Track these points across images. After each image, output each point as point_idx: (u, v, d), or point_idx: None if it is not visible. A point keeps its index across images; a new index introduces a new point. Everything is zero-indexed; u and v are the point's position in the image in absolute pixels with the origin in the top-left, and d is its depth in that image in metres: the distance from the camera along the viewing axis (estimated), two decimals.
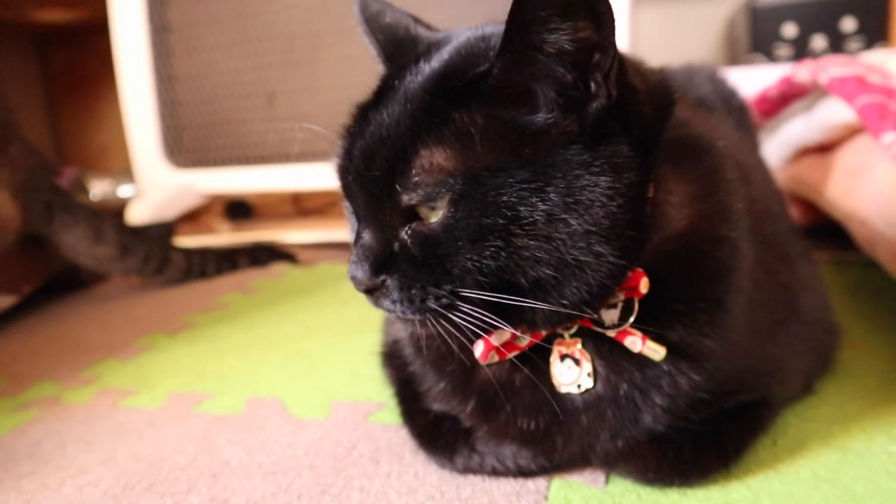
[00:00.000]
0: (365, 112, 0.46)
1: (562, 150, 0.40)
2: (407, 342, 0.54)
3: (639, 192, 0.41)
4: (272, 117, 1.56)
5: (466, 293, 0.41)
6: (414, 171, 0.41)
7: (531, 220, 0.40)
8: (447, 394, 0.51)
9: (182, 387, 0.73)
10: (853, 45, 1.81)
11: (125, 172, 1.91)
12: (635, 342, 0.45)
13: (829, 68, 0.82)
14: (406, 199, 0.41)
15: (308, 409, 0.65)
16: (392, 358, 0.59)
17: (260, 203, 1.93)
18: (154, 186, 1.61)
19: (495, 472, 0.51)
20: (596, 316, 0.45)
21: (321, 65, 1.50)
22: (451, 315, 0.42)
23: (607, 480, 0.50)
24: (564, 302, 0.41)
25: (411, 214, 0.42)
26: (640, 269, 0.44)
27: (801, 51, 1.85)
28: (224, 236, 1.62)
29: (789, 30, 1.84)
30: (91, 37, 2.35)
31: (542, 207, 0.39)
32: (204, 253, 1.20)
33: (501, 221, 0.40)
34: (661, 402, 0.46)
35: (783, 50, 1.85)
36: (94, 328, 0.96)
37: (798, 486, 0.48)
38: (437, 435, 0.52)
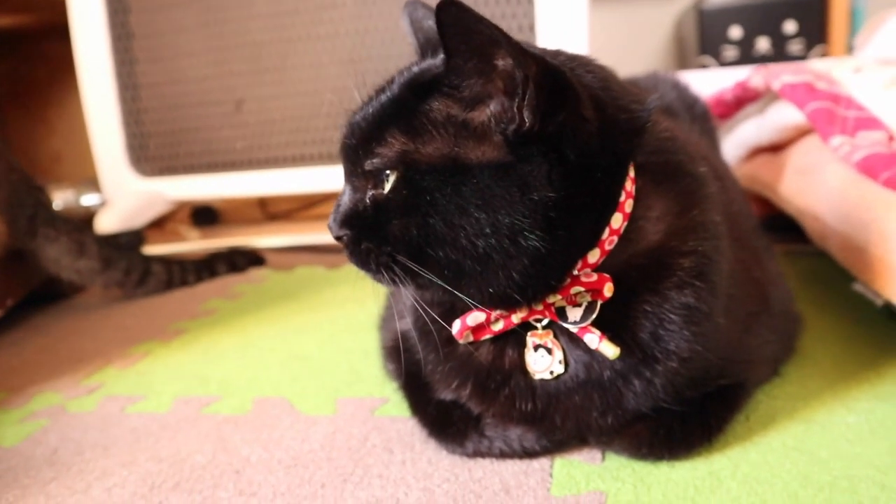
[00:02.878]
0: (370, 97, 0.53)
1: (486, 157, 0.46)
2: (414, 331, 0.59)
3: (561, 210, 0.46)
4: (241, 124, 1.57)
5: (401, 259, 0.48)
6: (375, 145, 0.48)
7: (444, 207, 0.46)
8: (449, 375, 0.56)
9: (186, 391, 0.76)
10: (794, 46, 1.92)
11: (87, 181, 1.89)
12: (593, 339, 0.50)
13: (782, 75, 0.89)
14: (365, 165, 0.49)
15: (315, 407, 0.69)
16: (398, 351, 0.63)
17: (226, 208, 1.93)
18: (121, 195, 1.61)
19: (503, 455, 0.56)
20: (559, 306, 0.50)
21: (290, 72, 1.52)
22: (389, 274, 0.49)
23: (604, 458, 0.56)
24: (491, 289, 0.48)
25: (375, 182, 0.49)
26: (606, 275, 0.49)
27: (746, 52, 1.95)
28: (194, 243, 1.62)
29: (735, 32, 1.94)
30: (39, 43, 2.31)
31: (455, 200, 0.46)
32: (183, 263, 1.21)
33: (423, 203, 0.47)
34: (640, 387, 0.52)
35: (730, 52, 1.95)
36: (85, 338, 0.97)
37: (771, 455, 0.55)
38: (447, 422, 0.57)
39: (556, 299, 0.50)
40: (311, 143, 1.52)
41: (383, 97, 0.50)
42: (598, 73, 0.50)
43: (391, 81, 0.51)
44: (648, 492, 0.51)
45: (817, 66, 0.97)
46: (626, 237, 0.50)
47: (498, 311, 0.51)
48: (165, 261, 1.19)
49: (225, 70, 1.55)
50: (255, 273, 1.25)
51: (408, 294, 0.60)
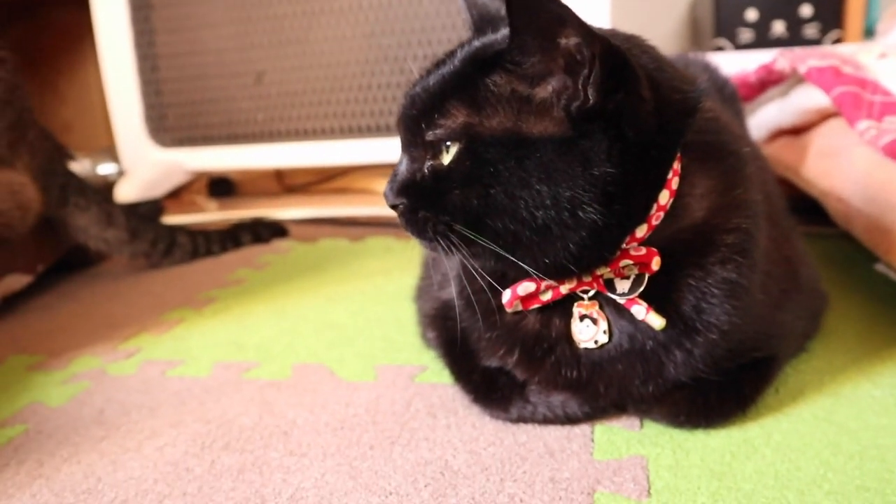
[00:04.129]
0: (430, 70, 0.54)
1: (548, 132, 0.47)
2: (458, 300, 0.60)
3: (618, 185, 0.47)
4: (261, 95, 1.57)
5: (458, 229, 0.50)
6: (438, 116, 0.50)
7: (507, 179, 0.48)
8: (495, 343, 0.58)
9: (224, 357, 0.78)
10: (810, 30, 1.92)
11: (103, 150, 1.89)
12: (640, 311, 0.52)
13: (808, 59, 0.90)
14: (427, 136, 0.50)
15: (355, 373, 0.71)
16: (441, 320, 0.65)
17: (242, 180, 1.94)
18: (139, 165, 1.62)
19: (546, 420, 0.58)
20: (607, 278, 0.52)
21: (311, 45, 1.52)
22: (443, 242, 0.51)
23: (642, 425, 0.58)
24: (547, 259, 0.49)
25: (434, 153, 0.51)
26: (654, 249, 0.51)
27: (762, 35, 1.95)
28: (212, 214, 1.63)
29: (751, 14, 1.94)
30: (50, 11, 2.30)
31: (518, 172, 0.47)
32: (208, 233, 1.23)
33: (486, 174, 0.48)
34: (680, 358, 0.54)
35: (745, 34, 1.95)
36: (116, 305, 0.99)
37: (801, 425, 0.57)
38: (492, 388, 0.59)
39: (605, 271, 0.52)
40: (331, 116, 1.53)
41: (444, 70, 0.51)
42: (651, 53, 0.52)
43: (451, 56, 0.53)
44: (687, 457, 0.54)
45: (843, 51, 0.98)
46: (671, 213, 0.52)
47: (548, 282, 0.53)
48: (190, 231, 1.21)
49: (246, 42, 1.55)
50: (279, 244, 1.26)
51: (452, 264, 0.63)
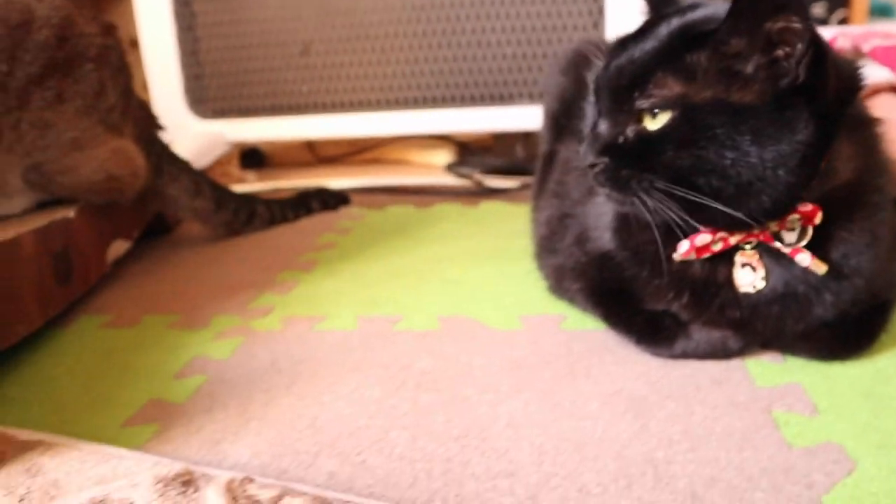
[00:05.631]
0: (625, 42, 0.61)
1: (758, 103, 0.54)
2: (622, 252, 0.67)
3: (807, 148, 0.55)
4: (306, 66, 1.60)
5: (661, 185, 0.57)
6: (650, 86, 0.56)
7: (723, 143, 0.54)
8: (663, 289, 0.65)
9: (365, 312, 0.83)
10: (817, 9, 2.02)
11: None
12: (804, 258, 0.60)
13: (872, 39, 0.99)
14: (638, 104, 0.57)
15: (502, 322, 0.78)
16: (592, 271, 0.72)
17: (273, 150, 1.96)
18: (181, 137, 1.63)
19: (706, 355, 0.66)
20: (774, 230, 0.60)
21: (359, 15, 1.55)
22: (645, 197, 0.57)
23: (784, 359, 0.66)
24: (739, 212, 0.56)
25: (637, 118, 0.58)
26: (816, 205, 0.59)
27: None
28: (253, 185, 1.66)
29: None
30: None
31: (735, 137, 0.54)
32: (280, 201, 1.26)
33: (702, 139, 0.55)
34: (829, 299, 0.62)
35: None
36: (220, 269, 1.03)
37: None
38: (657, 329, 0.67)
39: (775, 224, 0.60)
40: (377, 88, 1.57)
41: (649, 45, 0.57)
42: (822, 38, 0.59)
43: (648, 32, 0.58)
44: (836, 383, 0.62)
45: None
46: (824, 174, 0.60)
47: (723, 234, 0.60)
48: (266, 201, 1.24)
49: (291, 12, 1.57)
50: (350, 211, 1.31)
51: (606, 220, 0.70)
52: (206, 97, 1.64)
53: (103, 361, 0.76)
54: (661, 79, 0.56)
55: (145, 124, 1.04)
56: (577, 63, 0.95)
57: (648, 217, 0.59)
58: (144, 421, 0.62)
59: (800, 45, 0.52)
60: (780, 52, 0.53)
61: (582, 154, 0.61)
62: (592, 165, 0.60)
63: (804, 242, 0.60)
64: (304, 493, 0.47)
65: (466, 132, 1.76)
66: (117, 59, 0.95)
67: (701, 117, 0.55)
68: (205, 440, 0.59)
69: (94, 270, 0.94)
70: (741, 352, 0.66)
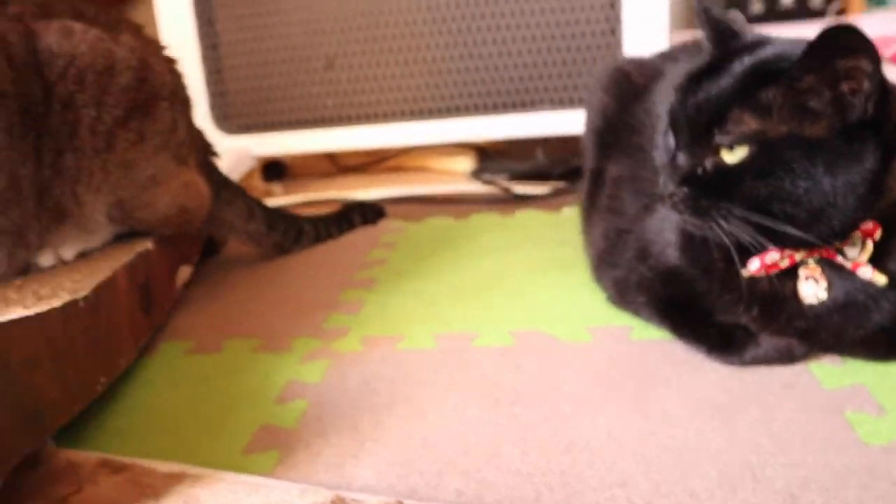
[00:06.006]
0: (698, 78, 0.66)
1: (828, 136, 0.60)
2: (692, 268, 0.73)
3: (874, 175, 0.61)
4: (330, 80, 1.65)
5: (738, 212, 0.62)
6: (728, 123, 0.62)
7: (798, 174, 0.60)
8: (733, 303, 0.71)
9: (439, 330, 0.88)
10: (815, 1, 2.09)
11: None
12: (866, 271, 0.66)
13: (893, 45, 1.05)
14: (718, 139, 0.63)
15: (572, 335, 0.83)
16: (659, 285, 0.78)
17: (294, 162, 1.99)
18: None
19: (773, 362, 0.72)
20: (841, 248, 0.66)
21: (382, 29, 1.60)
22: (723, 224, 0.63)
23: (843, 361, 0.73)
24: (812, 236, 0.62)
25: (714, 150, 0.63)
26: (877, 223, 0.65)
27: (770, 7, 2.11)
28: (283, 198, 1.70)
29: None
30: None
31: (809, 169, 0.60)
32: (324, 217, 1.31)
33: (779, 171, 0.61)
34: (887, 306, 0.68)
35: (756, 6, 2.10)
36: (281, 290, 1.07)
37: None
38: (729, 339, 0.72)
39: (837, 242, 0.65)
40: (400, 99, 1.61)
41: (724, 82, 0.63)
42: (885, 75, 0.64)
43: (722, 67, 0.64)
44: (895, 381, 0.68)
45: None
46: (883, 194, 0.65)
47: (790, 251, 0.66)
48: (310, 219, 1.28)
49: (315, 28, 1.61)
50: (389, 224, 1.35)
51: (671, 237, 0.75)
52: (231, 113, 1.68)
53: (199, 388, 0.81)
54: (738, 115, 0.61)
55: (204, 152, 1.08)
56: (619, 81, 1.00)
57: (725, 240, 0.64)
58: (264, 448, 0.67)
59: (867, 84, 0.58)
60: (848, 89, 0.59)
61: (661, 184, 0.66)
62: (672, 195, 0.65)
63: (865, 257, 0.66)
64: None
65: (488, 139, 1.80)
66: (183, 93, 0.98)
67: (777, 151, 0.60)
68: (328, 464, 0.64)
69: (168, 298, 0.98)
70: (804, 357, 0.72)
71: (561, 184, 1.54)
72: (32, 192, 0.80)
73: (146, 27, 0.98)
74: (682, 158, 0.65)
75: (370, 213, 1.39)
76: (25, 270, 0.83)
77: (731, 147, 0.62)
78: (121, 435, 0.72)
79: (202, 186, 1.01)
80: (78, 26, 0.84)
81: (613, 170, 0.94)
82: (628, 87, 0.98)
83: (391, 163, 1.92)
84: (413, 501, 0.55)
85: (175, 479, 0.60)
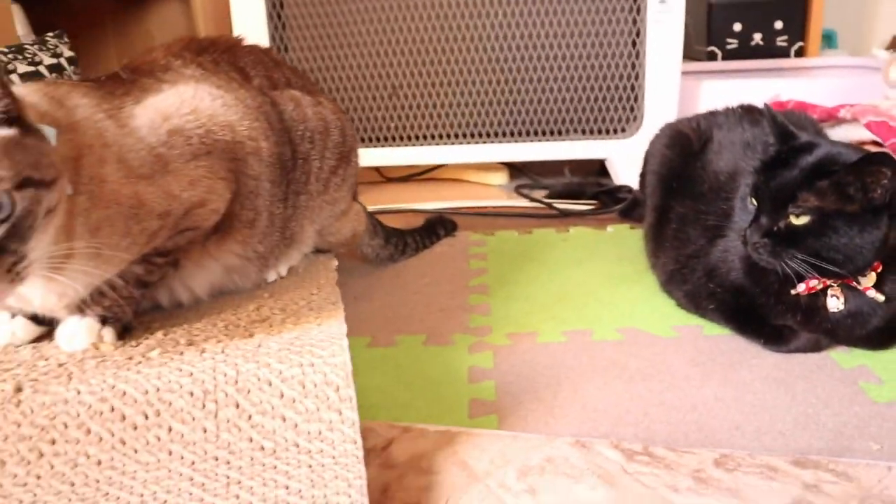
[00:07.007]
0: (773, 167, 1.01)
1: (860, 212, 0.96)
2: (753, 287, 1.08)
3: (885, 234, 0.97)
4: (394, 105, 1.94)
5: (800, 256, 0.97)
6: (798, 200, 0.96)
7: (840, 234, 0.96)
8: (783, 311, 1.07)
9: (563, 327, 1.20)
10: (780, 41, 2.49)
11: None
12: (871, 292, 1.03)
13: (868, 115, 1.43)
14: (791, 210, 0.97)
15: (663, 331, 1.17)
16: (726, 296, 1.13)
17: None
18: None
19: (808, 350, 1.08)
20: (858, 277, 1.02)
21: (442, 65, 1.90)
22: (789, 263, 0.98)
23: (849, 351, 1.10)
24: (845, 270, 0.98)
25: (787, 217, 0.97)
26: (879, 261, 1.01)
27: (744, 44, 2.49)
28: None
29: (737, 27, 2.47)
30: None
31: (848, 231, 0.96)
32: (417, 230, 1.60)
33: (829, 231, 0.96)
34: (881, 314, 1.05)
35: (732, 43, 2.49)
36: (409, 296, 1.33)
37: None
38: (778, 335, 1.08)
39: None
40: (452, 124, 1.93)
41: (794, 173, 0.97)
42: None
43: (790, 161, 0.99)
44: (888, 363, 1.05)
45: (884, 108, 1.52)
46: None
47: (825, 279, 1.02)
48: (409, 231, 1.57)
49: (384, 61, 1.90)
50: (465, 237, 1.65)
51: (734, 262, 1.10)
52: None
53: (398, 375, 1.09)
54: (806, 196, 0.96)
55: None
56: (679, 141, 1.35)
57: (787, 271, 0.99)
58: (483, 413, 0.98)
59: (886, 183, 0.93)
60: (873, 186, 0.94)
61: (749, 235, 1.00)
62: (755, 243, 0.99)
63: (871, 282, 1.02)
64: (654, 454, 0.85)
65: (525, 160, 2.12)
66: (354, 137, 1.25)
67: (828, 220, 0.95)
68: (536, 422, 0.95)
69: None
70: (828, 347, 1.09)
71: (593, 202, 1.87)
72: (279, 226, 1.07)
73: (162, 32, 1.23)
74: (764, 220, 0.99)
75: (448, 225, 1.69)
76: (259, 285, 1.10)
77: (798, 216, 0.97)
78: (372, 409, 1.00)
79: (364, 213, 1.29)
80: (301, 95, 1.11)
81: (679, 209, 1.28)
82: (687, 144, 1.33)
83: (432, 175, 2.21)
84: (627, 442, 0.87)
85: (445, 435, 0.90)
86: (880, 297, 1.03)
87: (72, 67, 1.53)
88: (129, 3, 2.72)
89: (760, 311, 1.10)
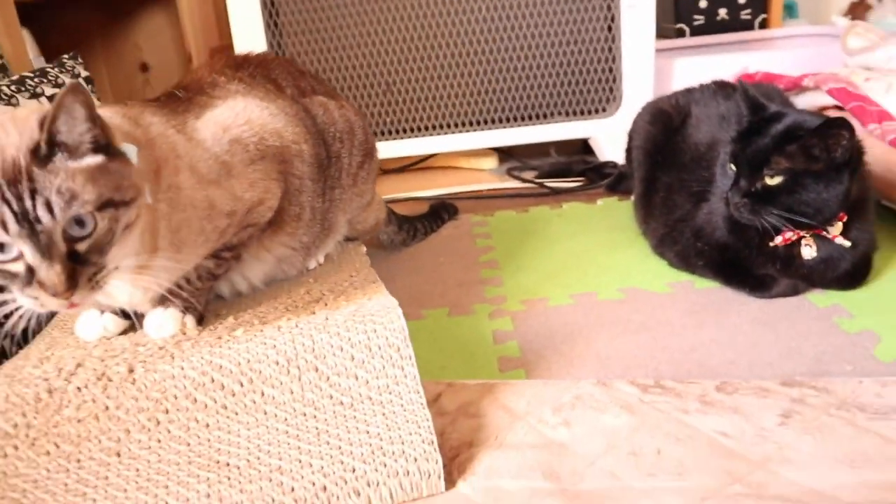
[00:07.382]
0: (747, 135, 1.15)
1: (824, 170, 1.11)
2: (737, 242, 1.23)
3: (847, 188, 1.13)
4: (388, 101, 2.06)
5: (776, 212, 1.12)
6: (772, 163, 1.11)
7: (809, 190, 1.11)
8: (764, 261, 1.22)
9: (570, 291, 1.34)
10: (744, 14, 2.64)
11: None
12: (840, 240, 1.18)
13: (829, 82, 1.58)
14: (766, 172, 1.12)
15: (659, 288, 1.32)
16: (712, 252, 1.28)
17: None
18: None
19: (787, 294, 1.23)
20: (827, 227, 1.18)
21: (433, 61, 2.02)
22: (767, 218, 1.13)
23: (824, 292, 1.25)
24: (815, 222, 1.14)
25: (762, 178, 1.12)
26: (843, 212, 1.17)
27: (710, 20, 2.65)
28: None
29: (703, 3, 2.63)
30: None
31: (815, 187, 1.11)
32: (425, 217, 1.73)
33: (799, 189, 1.11)
34: (848, 258, 1.21)
35: (698, 19, 2.64)
36: (425, 275, 1.48)
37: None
38: (762, 283, 1.23)
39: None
40: (442, 115, 2.06)
41: (766, 140, 1.12)
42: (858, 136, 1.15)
43: (762, 130, 1.13)
44: (863, 302, 1.21)
45: (842, 76, 1.67)
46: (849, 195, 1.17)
47: (799, 231, 1.17)
48: (418, 217, 1.70)
49: (377, 59, 2.02)
50: (467, 219, 1.79)
51: (718, 223, 1.25)
52: None
53: (435, 341, 1.23)
54: (777, 160, 1.11)
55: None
56: (660, 117, 1.49)
57: (767, 227, 1.14)
58: (512, 368, 1.12)
59: (845, 143, 1.09)
60: (835, 147, 1.09)
61: (730, 195, 1.15)
62: (736, 203, 1.14)
63: (838, 231, 1.18)
64: (669, 385, 1.00)
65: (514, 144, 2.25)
66: (372, 134, 1.37)
67: (798, 178, 1.11)
68: (560, 373, 1.09)
69: None
70: (804, 290, 1.25)
71: (580, 179, 2.02)
72: (319, 218, 1.19)
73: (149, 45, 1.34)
74: (743, 183, 1.14)
75: (451, 209, 1.82)
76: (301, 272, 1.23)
77: (772, 177, 1.12)
78: None
79: (383, 203, 1.42)
80: (327, 101, 1.23)
81: (665, 179, 1.43)
82: (668, 120, 1.47)
83: (425, 163, 2.34)
84: (640, 379, 1.01)
85: (485, 386, 1.04)
86: (847, 243, 1.18)
87: (89, 87, 1.63)
88: (115, 17, 2.80)
89: (744, 263, 1.25)
